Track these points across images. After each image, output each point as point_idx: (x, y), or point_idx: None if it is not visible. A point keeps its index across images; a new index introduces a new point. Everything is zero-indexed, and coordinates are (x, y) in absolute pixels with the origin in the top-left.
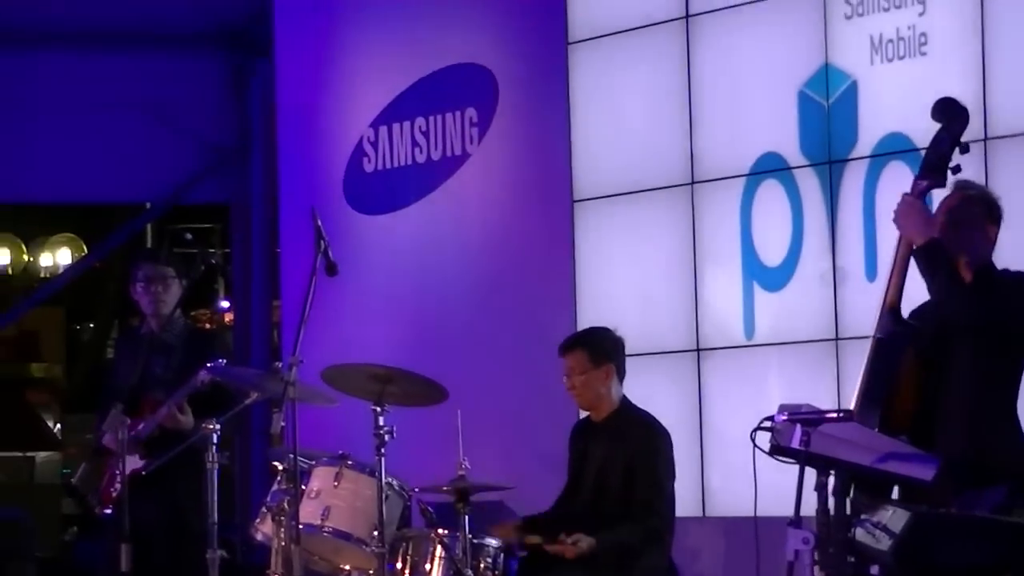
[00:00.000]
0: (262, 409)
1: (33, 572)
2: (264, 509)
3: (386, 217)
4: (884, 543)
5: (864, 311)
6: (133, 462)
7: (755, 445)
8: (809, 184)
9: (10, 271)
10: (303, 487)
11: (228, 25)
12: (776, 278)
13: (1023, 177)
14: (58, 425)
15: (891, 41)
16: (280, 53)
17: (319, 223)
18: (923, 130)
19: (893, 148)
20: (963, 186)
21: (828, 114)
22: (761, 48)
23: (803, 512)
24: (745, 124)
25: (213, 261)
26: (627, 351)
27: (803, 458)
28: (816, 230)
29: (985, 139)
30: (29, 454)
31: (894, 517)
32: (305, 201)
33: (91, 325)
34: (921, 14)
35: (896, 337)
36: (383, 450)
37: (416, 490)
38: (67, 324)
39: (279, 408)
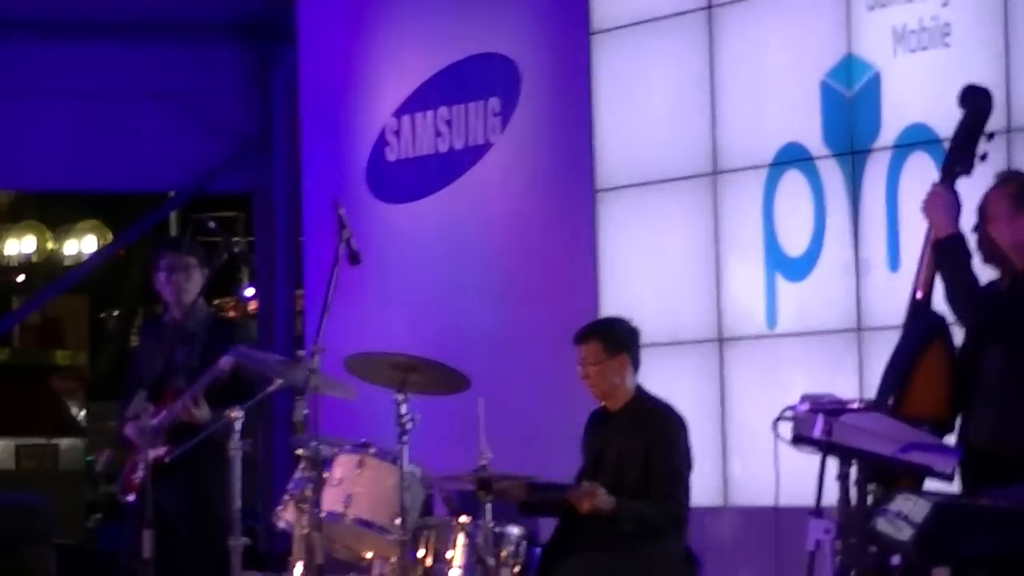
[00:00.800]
0: (285, 397)
1: (52, 558)
2: (286, 496)
3: (409, 206)
4: (905, 533)
5: (886, 301)
6: (155, 450)
7: (777, 435)
8: (832, 174)
9: (35, 258)
10: (325, 475)
11: (252, 14)
12: (798, 268)
13: None
14: (82, 412)
15: (914, 32)
16: (303, 42)
17: (342, 212)
18: (946, 121)
19: (916, 139)
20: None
21: (851, 104)
22: (784, 38)
23: (824, 502)
24: (767, 114)
25: (236, 250)
26: (649, 341)
27: (824, 448)
28: (839, 220)
29: (1008, 130)
30: (53, 441)
31: (916, 507)
32: (328, 190)
33: (115, 313)
34: (944, 4)
35: (923, 328)
36: (405, 438)
37: (438, 478)
38: (92, 312)
39: (302, 396)
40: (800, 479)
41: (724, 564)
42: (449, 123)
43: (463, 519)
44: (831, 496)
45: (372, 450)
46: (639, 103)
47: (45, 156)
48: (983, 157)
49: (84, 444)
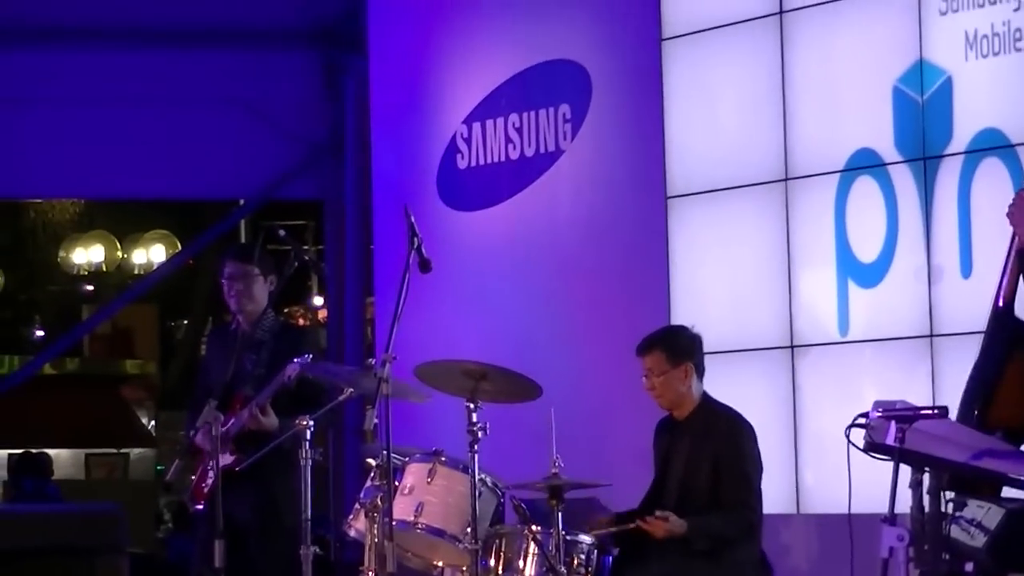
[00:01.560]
0: (356, 406)
1: (126, 566)
2: (357, 505)
3: (479, 214)
4: (979, 540)
5: (959, 308)
6: (224, 458)
7: (849, 442)
8: (904, 180)
9: (104, 268)
10: (396, 483)
11: (322, 22)
12: (871, 274)
13: None
14: (152, 422)
15: (986, 36)
16: (374, 50)
17: (412, 220)
18: (1018, 125)
19: (988, 144)
20: None
21: (923, 110)
22: (855, 43)
23: (898, 509)
24: (839, 120)
25: (307, 258)
26: (721, 348)
27: (898, 455)
28: (911, 226)
29: None
30: (123, 451)
31: (989, 514)
32: (398, 198)
33: (185, 322)
34: (1016, 9)
35: (1008, 337)
36: (476, 447)
37: (509, 487)
38: (161, 321)
39: (372, 405)
40: (873, 486)
41: (797, 572)
42: (520, 130)
43: (534, 528)
44: (904, 503)
45: (443, 458)
46: (710, 109)
47: (114, 164)
48: None
49: (154, 454)
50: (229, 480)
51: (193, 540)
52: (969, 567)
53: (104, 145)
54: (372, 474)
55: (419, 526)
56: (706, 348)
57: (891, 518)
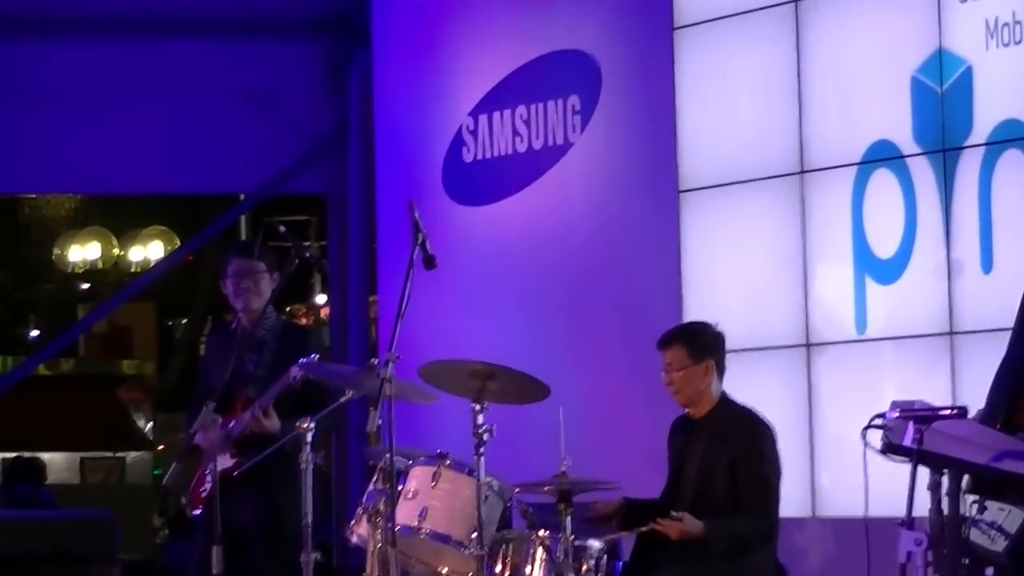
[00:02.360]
0: (358, 407)
1: (118, 574)
2: (360, 510)
3: (486, 208)
4: (999, 544)
5: (979, 304)
6: (224, 462)
7: (866, 443)
8: (923, 173)
9: (100, 265)
10: (400, 487)
11: (326, 13)
12: (889, 270)
13: None
14: (150, 424)
15: (1007, 25)
16: (378, 41)
17: (417, 215)
18: None
19: (1009, 135)
20: None
21: (942, 100)
22: (873, 32)
23: (916, 512)
24: (856, 111)
25: (308, 254)
26: (735, 346)
27: (916, 456)
28: (930, 221)
29: None
30: (120, 454)
31: (1010, 517)
32: (403, 192)
33: (184, 321)
34: None
35: None
36: (482, 449)
37: (516, 490)
38: (159, 320)
39: (375, 406)
40: (891, 489)
41: None
42: (527, 122)
43: (542, 532)
44: (923, 506)
45: (448, 461)
46: (724, 100)
47: (110, 158)
48: None
49: (151, 457)
50: (229, 484)
51: (191, 546)
52: (989, 572)
53: (100, 138)
54: (375, 478)
55: (423, 531)
56: None
57: (909, 522)
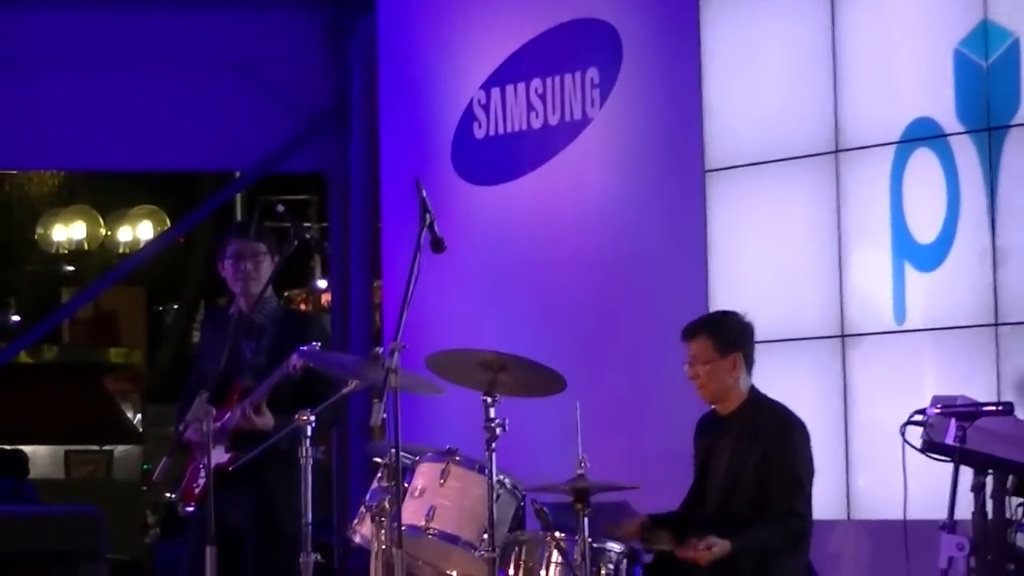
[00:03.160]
0: (361, 399)
1: (106, 573)
2: (363, 509)
3: (498, 188)
4: None
5: None
6: (219, 456)
7: (905, 441)
8: (966, 153)
9: (86, 246)
10: (406, 485)
11: None
12: (929, 257)
13: None
14: (138, 416)
15: None
16: (382, 9)
17: (424, 194)
18: None
19: None
20: None
21: (987, 75)
22: (913, 3)
23: (958, 515)
24: (895, 87)
25: (308, 236)
26: (765, 337)
27: (958, 455)
28: (974, 204)
29: None
30: (107, 447)
31: None
32: (409, 170)
33: (175, 306)
34: None
35: None
36: (494, 445)
37: (530, 489)
38: (148, 305)
39: (380, 398)
40: (931, 490)
41: None
42: (543, 96)
43: (558, 534)
44: (965, 509)
45: (457, 458)
46: (753, 74)
47: (97, 133)
48: None
49: (140, 451)
50: (223, 480)
51: (183, 545)
52: None
53: (86, 112)
54: (379, 475)
55: (431, 532)
56: None
57: (951, 525)
